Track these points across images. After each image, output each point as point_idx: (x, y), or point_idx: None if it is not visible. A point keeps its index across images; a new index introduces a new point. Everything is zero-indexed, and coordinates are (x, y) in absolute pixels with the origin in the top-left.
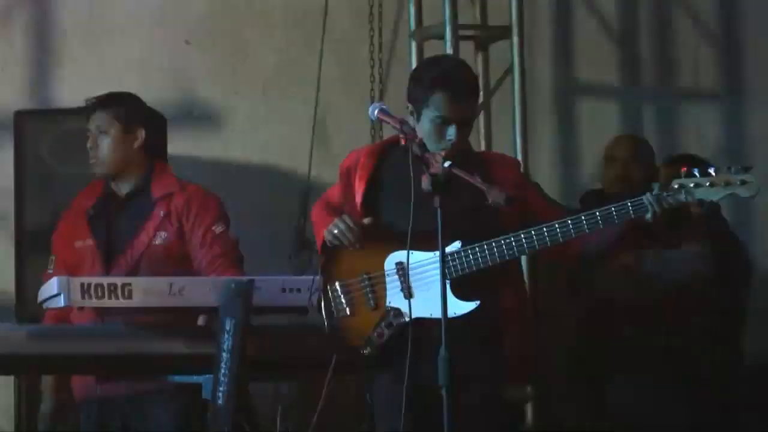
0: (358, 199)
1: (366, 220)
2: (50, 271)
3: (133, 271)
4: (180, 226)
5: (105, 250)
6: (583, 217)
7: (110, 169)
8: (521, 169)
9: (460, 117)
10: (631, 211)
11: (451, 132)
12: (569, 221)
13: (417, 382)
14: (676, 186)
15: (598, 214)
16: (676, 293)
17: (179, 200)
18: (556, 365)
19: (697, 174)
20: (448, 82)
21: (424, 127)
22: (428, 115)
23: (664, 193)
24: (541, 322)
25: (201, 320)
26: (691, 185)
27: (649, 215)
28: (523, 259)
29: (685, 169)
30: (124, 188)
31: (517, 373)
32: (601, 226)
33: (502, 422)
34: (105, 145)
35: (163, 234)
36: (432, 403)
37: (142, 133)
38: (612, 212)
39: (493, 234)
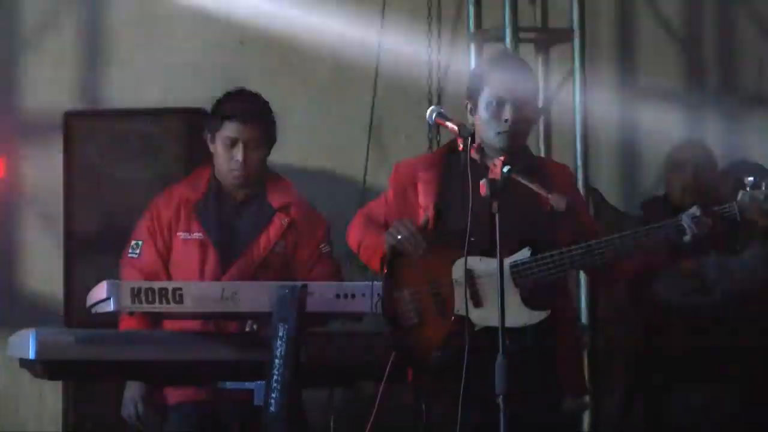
0: (431, 213)
1: (422, 222)
2: (135, 257)
3: (252, 276)
4: (296, 239)
5: (222, 249)
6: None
7: (251, 183)
8: (575, 180)
9: (516, 96)
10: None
11: (507, 112)
12: (634, 232)
13: (484, 390)
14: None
15: (662, 227)
16: (738, 300)
17: (296, 212)
18: (616, 374)
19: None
20: (503, 63)
21: (481, 117)
22: (483, 101)
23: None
24: (601, 331)
25: (248, 326)
26: (762, 198)
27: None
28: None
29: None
30: (240, 191)
31: (572, 385)
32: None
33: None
34: (256, 158)
35: (282, 243)
36: (491, 411)
37: (273, 143)
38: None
39: (551, 241)
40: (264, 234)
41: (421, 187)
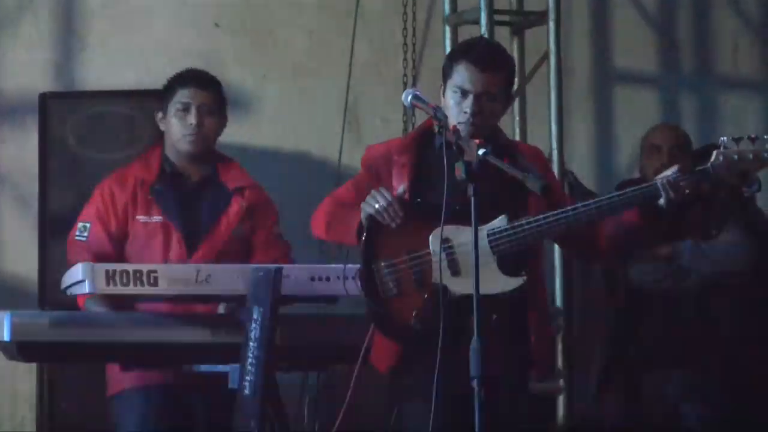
0: (406, 196)
1: (399, 191)
2: (83, 239)
3: (214, 260)
4: (253, 222)
5: (185, 232)
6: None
7: (203, 150)
8: (548, 162)
9: (479, 91)
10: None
11: (467, 105)
12: (607, 197)
13: (459, 360)
14: (714, 160)
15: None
16: (714, 284)
17: (251, 196)
18: (591, 358)
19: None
20: (471, 51)
21: (447, 102)
22: (450, 87)
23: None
24: (577, 316)
25: (221, 308)
26: (735, 158)
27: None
28: (558, 255)
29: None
30: (194, 172)
31: (542, 366)
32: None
33: (530, 413)
34: (210, 124)
35: (240, 226)
36: (463, 392)
37: (225, 121)
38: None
39: (529, 207)
40: (224, 217)
41: (395, 171)
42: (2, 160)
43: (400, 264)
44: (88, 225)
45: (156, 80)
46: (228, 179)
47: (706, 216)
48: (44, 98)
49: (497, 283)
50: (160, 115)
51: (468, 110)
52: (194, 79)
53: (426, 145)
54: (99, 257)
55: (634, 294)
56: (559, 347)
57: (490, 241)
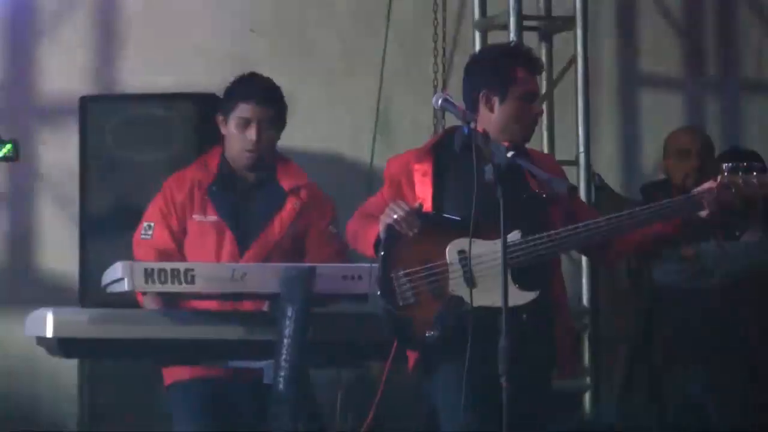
0: (428, 203)
1: (416, 205)
2: (148, 238)
3: (266, 258)
4: (307, 222)
5: (238, 232)
6: (638, 211)
7: (263, 163)
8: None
9: (538, 92)
10: (689, 206)
11: (537, 106)
12: (627, 213)
13: (478, 368)
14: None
15: (653, 209)
16: (737, 284)
17: (306, 195)
18: (617, 356)
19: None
20: (529, 58)
21: (510, 108)
22: (515, 93)
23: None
24: (602, 314)
25: (266, 306)
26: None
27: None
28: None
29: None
30: (249, 174)
31: (568, 366)
32: (659, 220)
33: (555, 411)
34: (269, 138)
35: (294, 226)
36: (491, 389)
37: (284, 125)
38: (671, 206)
39: (544, 225)
40: (278, 217)
41: (417, 179)
42: (43, 160)
43: (417, 273)
44: (152, 224)
45: (192, 84)
46: (284, 179)
47: (728, 217)
48: (84, 101)
49: (511, 296)
50: (220, 117)
51: (538, 112)
52: (256, 94)
53: (444, 150)
54: (163, 254)
55: (658, 293)
56: (586, 345)
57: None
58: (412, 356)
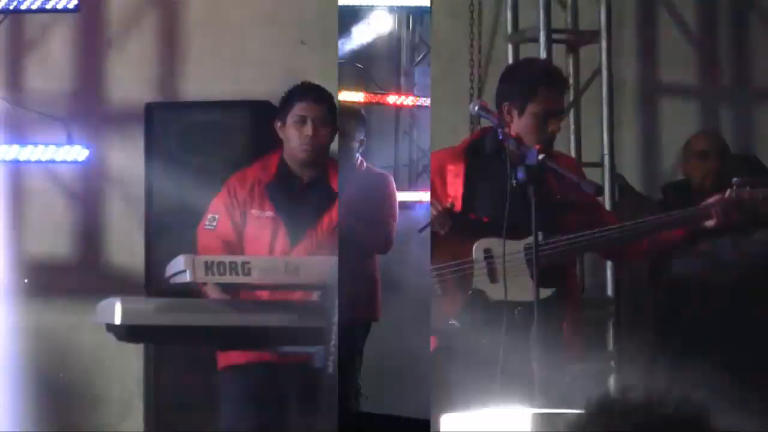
0: (459, 201)
1: (449, 205)
2: (212, 228)
3: (315, 252)
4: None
5: (290, 227)
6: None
7: (319, 160)
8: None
9: (560, 109)
10: (698, 217)
11: (554, 124)
12: (640, 222)
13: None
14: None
15: (664, 219)
16: (753, 278)
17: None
18: (639, 341)
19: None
20: (552, 78)
21: (526, 122)
22: (532, 109)
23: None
24: (625, 302)
25: (315, 296)
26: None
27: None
28: None
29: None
30: (305, 174)
31: (575, 355)
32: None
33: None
34: (324, 134)
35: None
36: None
37: (336, 129)
38: (682, 216)
39: (564, 229)
40: (327, 215)
41: (449, 179)
42: (112, 164)
43: (444, 269)
44: (216, 216)
45: (247, 92)
46: (335, 180)
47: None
48: (150, 108)
49: (528, 293)
50: (279, 123)
51: (556, 128)
52: (310, 94)
53: (477, 153)
54: (225, 244)
55: (677, 286)
56: (611, 332)
57: (525, 254)
58: (433, 341)
